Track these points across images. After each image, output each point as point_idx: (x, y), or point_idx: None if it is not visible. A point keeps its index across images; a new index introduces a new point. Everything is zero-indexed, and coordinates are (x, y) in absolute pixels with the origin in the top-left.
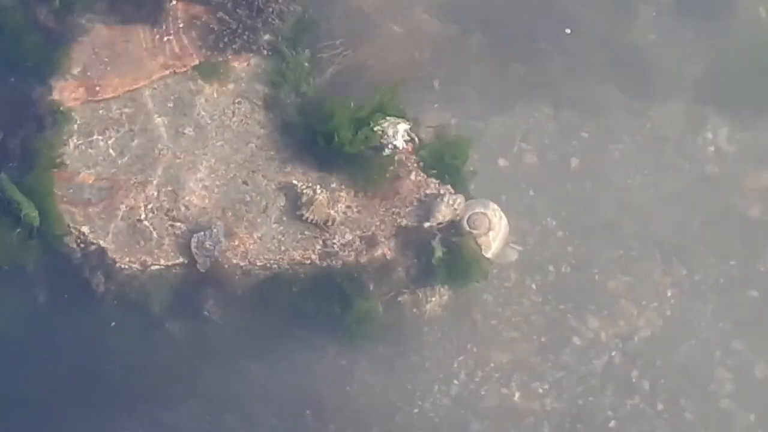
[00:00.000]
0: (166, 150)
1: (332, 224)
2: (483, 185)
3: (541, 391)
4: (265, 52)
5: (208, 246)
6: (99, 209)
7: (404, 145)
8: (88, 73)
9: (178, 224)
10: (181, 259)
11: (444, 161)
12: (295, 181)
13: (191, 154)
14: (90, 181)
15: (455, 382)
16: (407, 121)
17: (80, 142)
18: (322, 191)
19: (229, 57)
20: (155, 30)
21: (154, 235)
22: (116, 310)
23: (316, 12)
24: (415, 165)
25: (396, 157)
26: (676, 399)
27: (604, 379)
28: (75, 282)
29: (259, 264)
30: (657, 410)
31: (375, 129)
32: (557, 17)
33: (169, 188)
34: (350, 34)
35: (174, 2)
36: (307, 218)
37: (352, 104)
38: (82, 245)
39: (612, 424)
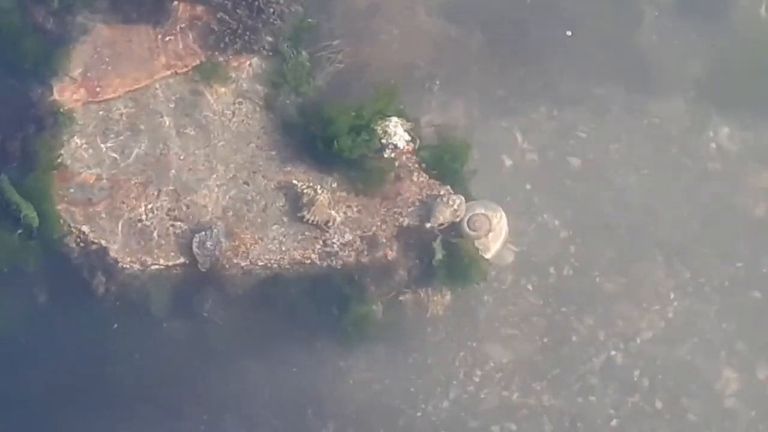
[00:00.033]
0: (167, 150)
1: (333, 224)
2: (483, 185)
3: (539, 389)
4: (265, 53)
5: (209, 246)
6: (100, 209)
7: (405, 146)
8: (89, 74)
9: (179, 224)
10: (181, 259)
11: (444, 162)
12: (295, 181)
13: (192, 155)
14: (91, 181)
15: (454, 383)
16: (407, 121)
17: (81, 142)
18: (323, 191)
19: (230, 57)
20: (157, 30)
21: (155, 235)
22: (116, 310)
23: (316, 12)
24: (417, 165)
25: (396, 161)
26: (677, 399)
27: (604, 378)
28: (75, 282)
29: (259, 264)
30: (657, 409)
31: (375, 129)
32: (557, 17)
33: (170, 188)
34: (350, 34)
35: (176, 2)
36: (308, 219)
37: (353, 114)
38: (82, 245)
39: (614, 423)
